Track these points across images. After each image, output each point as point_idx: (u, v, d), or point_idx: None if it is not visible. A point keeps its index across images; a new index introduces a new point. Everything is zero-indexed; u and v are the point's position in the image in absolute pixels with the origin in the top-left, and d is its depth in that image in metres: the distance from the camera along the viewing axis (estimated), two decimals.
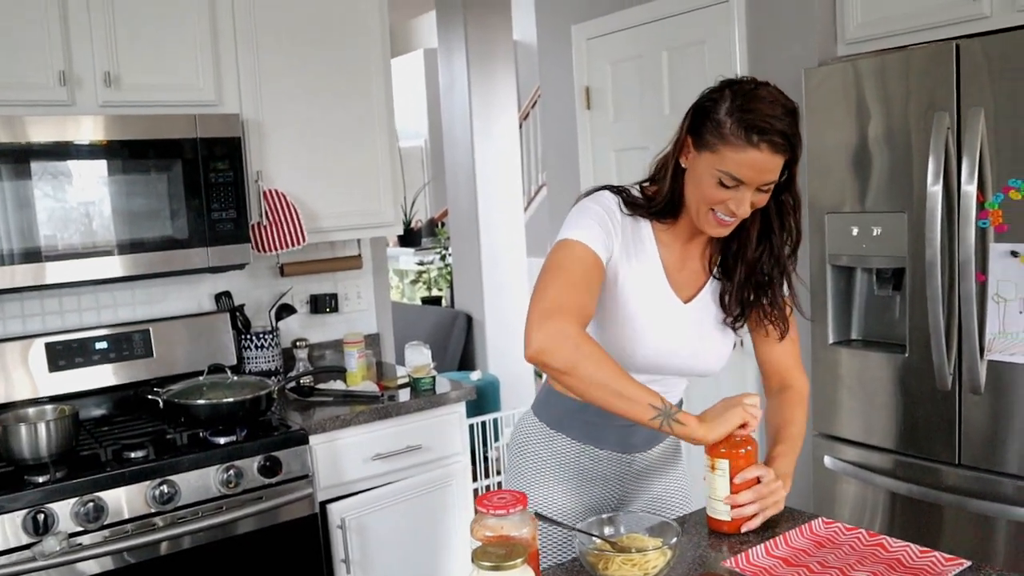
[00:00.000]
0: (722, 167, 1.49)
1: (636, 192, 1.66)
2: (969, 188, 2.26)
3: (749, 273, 1.65)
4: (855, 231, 2.58)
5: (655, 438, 1.77)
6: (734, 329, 1.70)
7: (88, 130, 2.52)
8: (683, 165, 1.57)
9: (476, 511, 1.29)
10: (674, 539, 1.41)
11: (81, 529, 2.25)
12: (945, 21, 2.47)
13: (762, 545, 1.49)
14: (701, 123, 1.52)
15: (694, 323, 1.66)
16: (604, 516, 1.51)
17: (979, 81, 2.25)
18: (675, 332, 1.65)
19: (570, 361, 1.43)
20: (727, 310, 1.68)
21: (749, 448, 1.55)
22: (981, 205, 2.26)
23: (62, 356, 2.75)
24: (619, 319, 1.63)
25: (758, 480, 1.56)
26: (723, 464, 1.54)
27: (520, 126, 6.79)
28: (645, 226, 1.65)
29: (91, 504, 2.26)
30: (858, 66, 2.54)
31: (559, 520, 1.66)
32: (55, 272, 2.49)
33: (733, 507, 1.54)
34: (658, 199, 1.62)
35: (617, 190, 1.66)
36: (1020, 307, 2.22)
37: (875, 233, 2.54)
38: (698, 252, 1.69)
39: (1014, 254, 2.21)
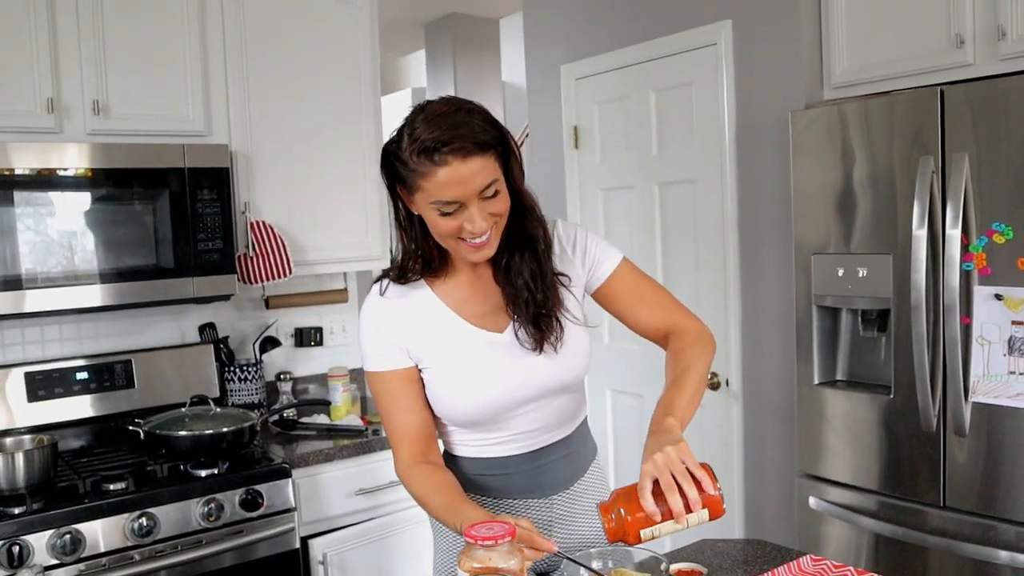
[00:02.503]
0: (432, 198, 1.44)
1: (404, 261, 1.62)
2: (953, 232, 2.29)
3: (505, 286, 1.59)
4: (840, 272, 2.60)
5: (567, 477, 1.71)
6: (540, 347, 1.58)
7: (74, 158, 2.51)
8: (415, 212, 1.52)
9: (465, 542, 1.27)
10: (663, 574, 1.40)
11: (57, 562, 2.21)
12: (930, 68, 2.52)
13: None
14: (395, 170, 1.48)
15: (521, 343, 1.60)
16: (592, 551, 1.50)
17: (963, 127, 2.29)
18: (503, 361, 1.59)
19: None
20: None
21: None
22: (965, 248, 2.29)
23: (42, 386, 2.72)
24: (453, 377, 1.59)
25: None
26: (663, 526, 1.35)
27: None
28: (422, 287, 1.62)
29: (68, 536, 2.22)
30: (844, 110, 2.58)
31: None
32: (35, 300, 2.47)
33: (688, 512, 1.33)
34: (411, 259, 1.60)
35: (383, 274, 1.64)
36: (1004, 349, 2.23)
37: (860, 274, 2.56)
38: (489, 279, 1.63)
39: (998, 297, 2.24)
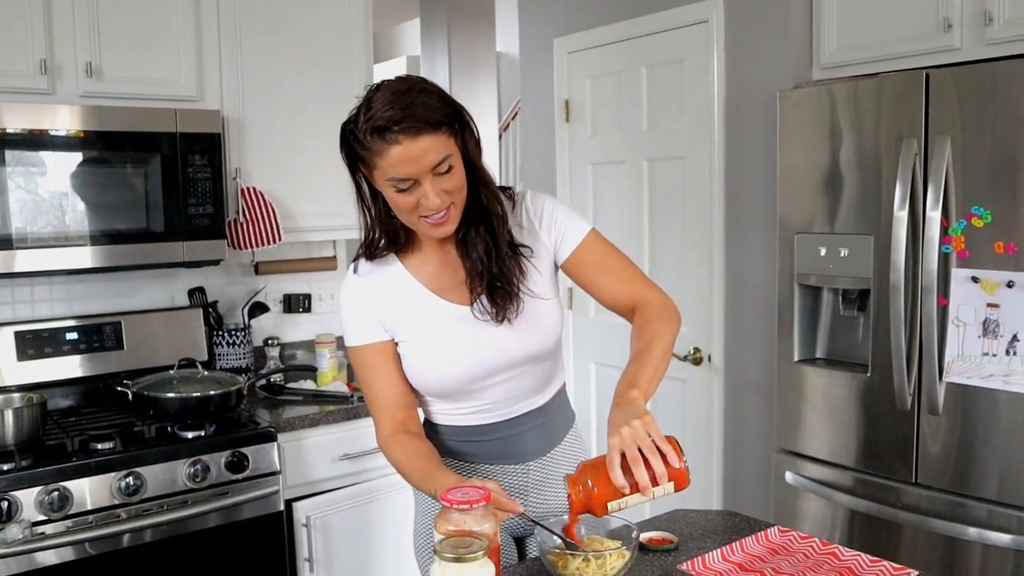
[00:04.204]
0: (387, 175, 1.47)
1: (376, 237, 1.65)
2: (934, 214, 2.32)
3: (464, 259, 1.62)
4: (823, 251, 2.64)
5: (543, 444, 1.75)
6: (499, 319, 1.61)
7: (66, 119, 2.52)
8: (378, 189, 1.55)
9: (441, 506, 1.32)
10: (633, 541, 1.45)
11: (45, 518, 2.25)
12: (917, 51, 2.54)
13: (718, 550, 1.53)
14: (353, 148, 1.51)
15: (479, 315, 1.63)
16: (565, 517, 1.54)
17: (947, 110, 2.32)
18: (471, 333, 1.63)
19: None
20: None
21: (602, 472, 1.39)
22: (945, 231, 2.32)
23: (31, 345, 2.74)
24: (425, 350, 1.64)
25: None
26: (630, 499, 1.39)
27: (500, 137, 6.84)
28: (394, 262, 1.66)
29: (56, 493, 2.26)
30: (832, 90, 2.60)
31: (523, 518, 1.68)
32: (25, 260, 2.49)
33: (654, 485, 1.35)
34: (375, 235, 1.63)
35: (357, 255, 1.68)
36: (978, 331, 2.28)
37: (842, 254, 2.59)
38: (456, 254, 1.66)
39: (974, 279, 2.27)
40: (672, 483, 1.36)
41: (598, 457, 1.40)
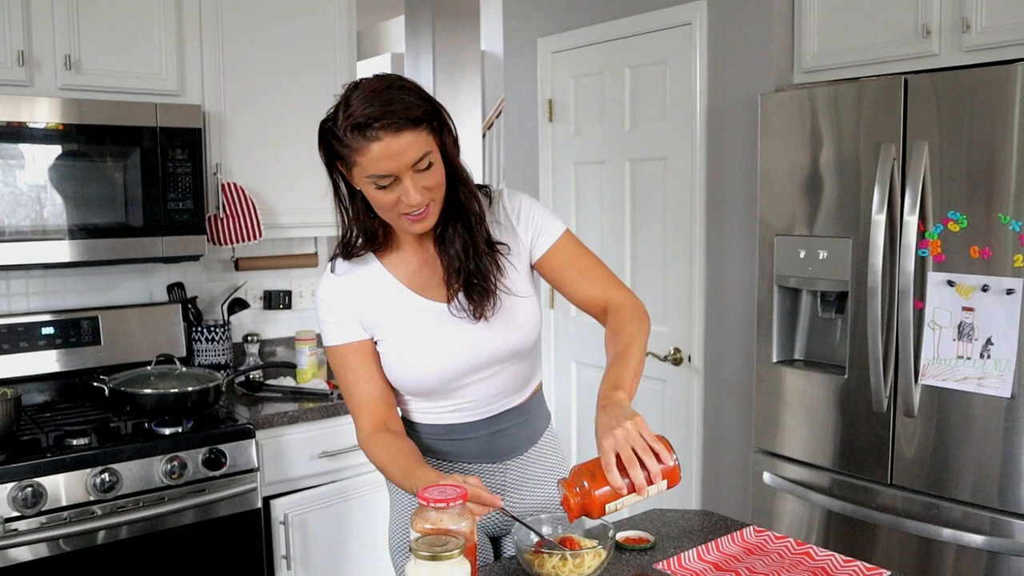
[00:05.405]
0: (367, 172, 1.48)
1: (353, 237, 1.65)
2: (911, 218, 2.34)
3: (442, 257, 1.63)
4: (802, 254, 2.66)
5: (521, 443, 1.76)
6: (476, 316, 1.62)
7: (44, 112, 2.50)
8: (357, 187, 1.55)
9: (418, 504, 1.32)
10: (609, 540, 1.45)
11: (18, 514, 2.23)
12: (896, 56, 2.56)
13: (694, 550, 1.54)
14: (332, 147, 1.51)
15: (456, 313, 1.64)
16: (542, 516, 1.54)
17: (925, 115, 2.34)
18: (450, 330, 1.63)
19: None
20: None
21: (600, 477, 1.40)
22: (921, 235, 2.35)
23: (6, 339, 2.72)
24: (404, 348, 1.64)
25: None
26: (626, 499, 1.40)
27: (483, 135, 6.84)
28: (372, 261, 1.66)
29: (29, 489, 2.24)
30: (813, 94, 2.62)
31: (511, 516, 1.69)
32: (2, 254, 2.47)
33: (649, 484, 1.37)
34: (355, 236, 1.63)
35: (334, 254, 1.68)
36: (953, 334, 2.30)
37: (821, 257, 2.61)
38: (436, 252, 1.66)
39: (950, 283, 2.30)
40: (665, 481, 1.38)
41: (591, 460, 1.41)
